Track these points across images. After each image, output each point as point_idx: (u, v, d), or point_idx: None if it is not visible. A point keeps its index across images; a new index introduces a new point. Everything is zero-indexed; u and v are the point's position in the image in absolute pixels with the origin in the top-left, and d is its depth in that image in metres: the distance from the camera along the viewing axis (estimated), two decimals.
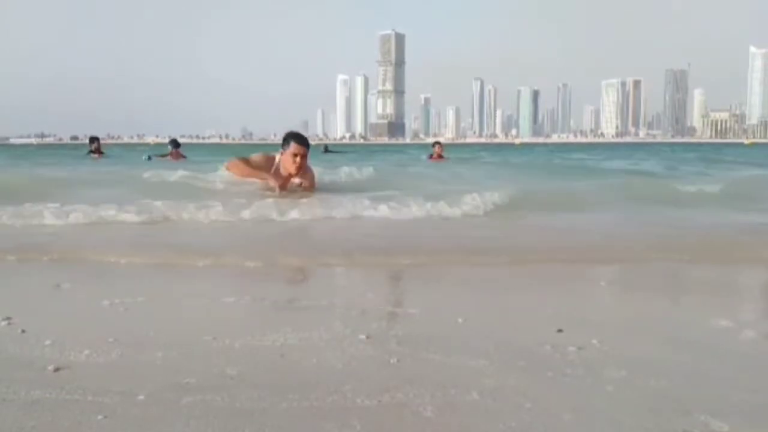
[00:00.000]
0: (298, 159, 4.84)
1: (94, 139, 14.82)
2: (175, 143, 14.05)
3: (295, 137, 4.99)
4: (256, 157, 5.17)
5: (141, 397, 1.05)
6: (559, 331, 1.43)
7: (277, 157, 5.01)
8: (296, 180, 4.96)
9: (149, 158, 13.24)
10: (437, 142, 15.51)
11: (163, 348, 1.30)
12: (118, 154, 17.51)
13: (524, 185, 5.44)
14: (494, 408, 1.02)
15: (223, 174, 5.18)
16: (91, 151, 14.38)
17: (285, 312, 1.66)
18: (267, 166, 5.02)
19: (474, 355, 1.26)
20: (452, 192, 4.20)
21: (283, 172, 4.89)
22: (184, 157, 13.68)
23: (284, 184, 4.88)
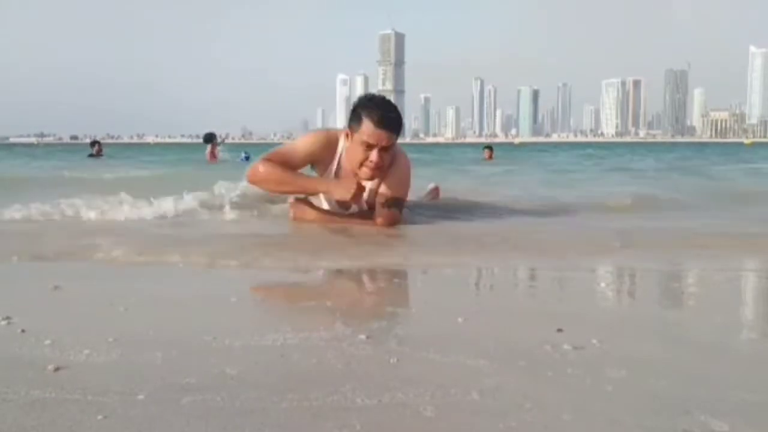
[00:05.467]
0: (373, 154, 2.78)
1: (95, 143, 15.48)
2: (209, 137, 12.36)
3: (372, 110, 2.80)
4: (302, 144, 2.97)
5: (141, 397, 1.05)
6: (559, 330, 1.43)
7: (341, 141, 2.96)
8: (366, 188, 2.89)
9: (247, 158, 12.46)
10: (488, 146, 17.17)
11: (163, 348, 1.30)
12: (121, 154, 17.71)
13: None
14: (494, 408, 1.02)
15: (247, 187, 3.22)
16: (92, 154, 14.86)
17: (285, 312, 1.66)
18: (325, 157, 2.94)
19: (474, 355, 1.26)
20: None
21: (348, 168, 2.90)
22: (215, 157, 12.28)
23: (355, 197, 2.86)
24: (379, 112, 2.80)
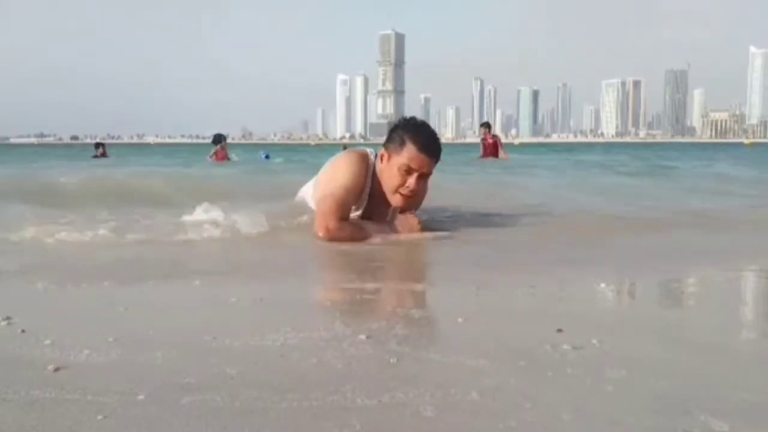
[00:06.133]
0: (412, 180, 2.67)
1: (99, 144, 15.99)
2: (218, 138, 12.61)
3: (417, 135, 2.69)
4: (349, 182, 2.73)
5: (141, 397, 1.05)
6: (559, 330, 1.43)
7: (371, 158, 2.83)
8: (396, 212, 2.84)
9: (267, 156, 12.68)
10: (486, 123, 11.88)
11: (163, 348, 1.30)
12: (126, 155, 17.78)
13: None
14: (494, 408, 1.02)
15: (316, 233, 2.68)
16: (96, 156, 15.33)
17: (285, 312, 1.66)
18: (360, 186, 2.77)
19: (474, 355, 1.26)
20: None
21: (385, 188, 2.74)
22: (227, 158, 12.54)
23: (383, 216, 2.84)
24: (425, 136, 2.70)
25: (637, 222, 3.60)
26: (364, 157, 2.82)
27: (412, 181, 2.66)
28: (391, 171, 2.70)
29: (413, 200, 2.78)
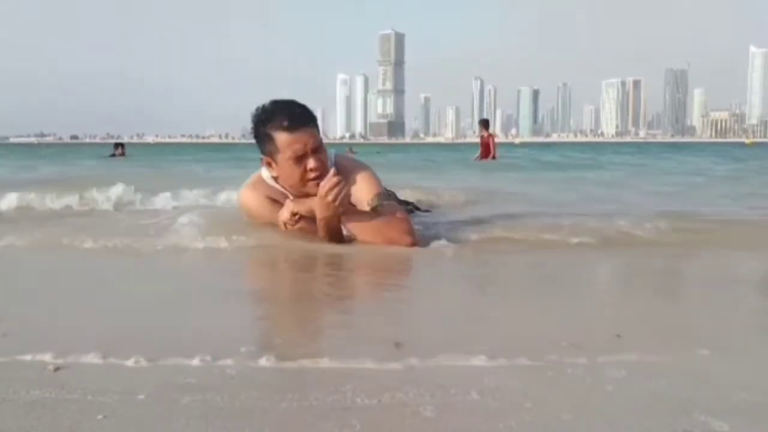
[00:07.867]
0: (310, 162, 2.40)
1: (119, 145, 16.62)
2: None
3: (275, 120, 2.40)
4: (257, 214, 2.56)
5: (141, 397, 1.05)
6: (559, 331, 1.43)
7: (264, 174, 2.58)
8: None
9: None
10: (484, 121, 11.19)
11: (163, 348, 1.30)
12: (141, 154, 17.86)
13: None
14: (494, 408, 1.02)
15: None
16: (114, 154, 15.86)
17: (285, 312, 1.66)
18: (269, 207, 2.52)
19: (474, 355, 1.26)
20: None
21: (295, 190, 2.47)
22: None
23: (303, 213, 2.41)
24: (283, 117, 2.37)
25: None
26: (254, 182, 2.61)
27: (310, 163, 2.38)
28: (286, 171, 2.43)
29: (323, 176, 2.38)
